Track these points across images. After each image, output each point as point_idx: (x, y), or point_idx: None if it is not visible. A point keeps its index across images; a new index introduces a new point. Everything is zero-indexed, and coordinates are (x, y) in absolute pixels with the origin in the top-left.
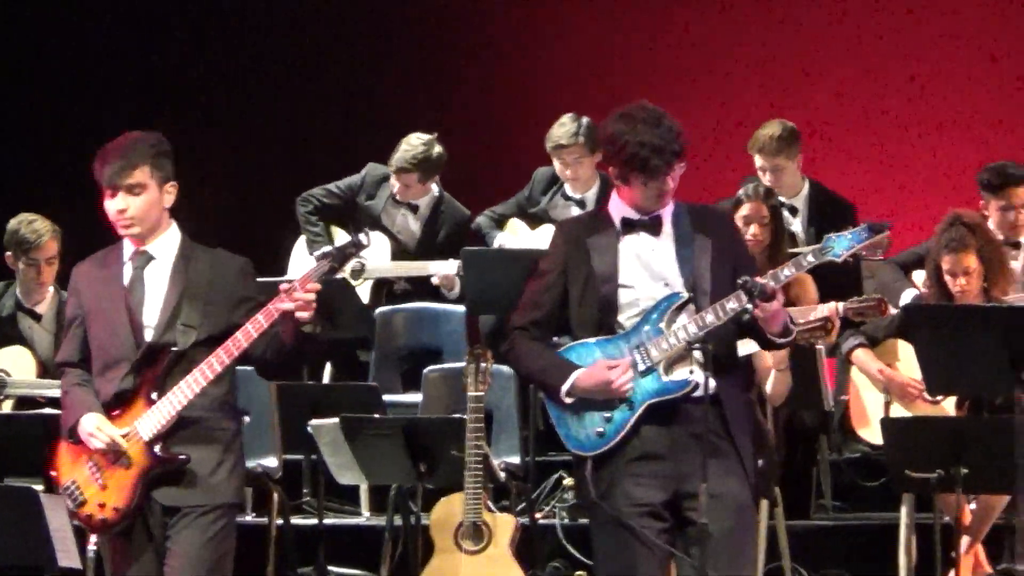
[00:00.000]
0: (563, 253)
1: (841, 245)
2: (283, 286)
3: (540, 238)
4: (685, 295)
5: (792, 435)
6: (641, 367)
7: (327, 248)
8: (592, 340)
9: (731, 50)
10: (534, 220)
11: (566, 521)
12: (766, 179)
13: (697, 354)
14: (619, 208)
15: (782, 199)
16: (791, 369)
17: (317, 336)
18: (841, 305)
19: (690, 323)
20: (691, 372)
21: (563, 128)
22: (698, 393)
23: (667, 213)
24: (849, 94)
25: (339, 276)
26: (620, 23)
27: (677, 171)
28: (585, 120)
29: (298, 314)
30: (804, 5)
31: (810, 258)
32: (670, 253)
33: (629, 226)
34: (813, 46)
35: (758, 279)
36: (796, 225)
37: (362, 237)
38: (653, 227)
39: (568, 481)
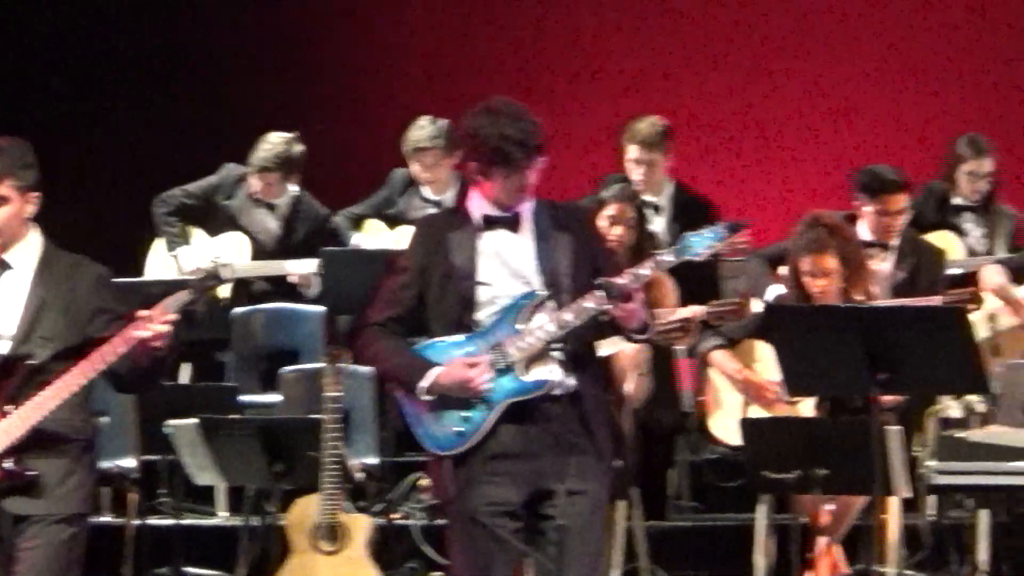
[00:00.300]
0: (422, 250)
1: (700, 244)
2: (140, 313)
3: (398, 239)
4: (544, 293)
5: (649, 436)
6: (499, 365)
7: (187, 275)
8: (450, 338)
9: (590, 48)
10: (392, 221)
11: (423, 522)
12: (637, 172)
13: (556, 353)
14: (479, 204)
15: (647, 197)
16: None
17: (170, 356)
18: (702, 309)
19: (549, 322)
20: (550, 371)
21: (421, 131)
22: (557, 392)
23: (527, 210)
24: (711, 95)
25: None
26: (476, 21)
27: (538, 166)
28: (442, 122)
29: (153, 343)
30: (666, 3)
31: (669, 257)
32: (529, 250)
33: (489, 223)
34: (676, 46)
35: (617, 279)
36: (659, 224)
37: (222, 271)
38: (513, 224)
39: (425, 482)
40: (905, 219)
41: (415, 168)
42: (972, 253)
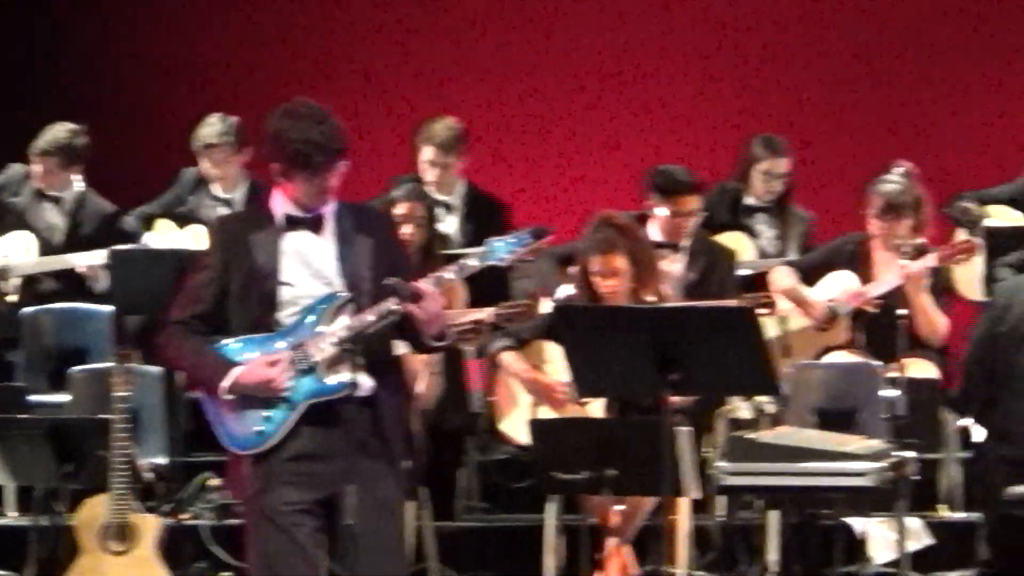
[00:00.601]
0: (224, 248)
1: (504, 249)
2: None
3: (188, 238)
4: (345, 295)
5: (438, 436)
6: (301, 366)
7: None
8: (251, 337)
9: (383, 49)
10: (182, 220)
11: (212, 522)
12: (432, 173)
13: (357, 355)
14: (282, 205)
15: (439, 197)
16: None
17: None
18: (491, 310)
19: (351, 323)
20: (350, 374)
21: (210, 128)
22: (357, 394)
23: (329, 211)
24: (504, 96)
25: None
26: (267, 19)
27: (339, 169)
28: (232, 119)
29: None
30: (460, 4)
31: (473, 261)
32: (331, 252)
33: (292, 223)
34: (469, 47)
35: (422, 281)
36: (451, 223)
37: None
38: (315, 225)
39: (214, 482)
40: (696, 220)
41: (205, 166)
42: (763, 254)
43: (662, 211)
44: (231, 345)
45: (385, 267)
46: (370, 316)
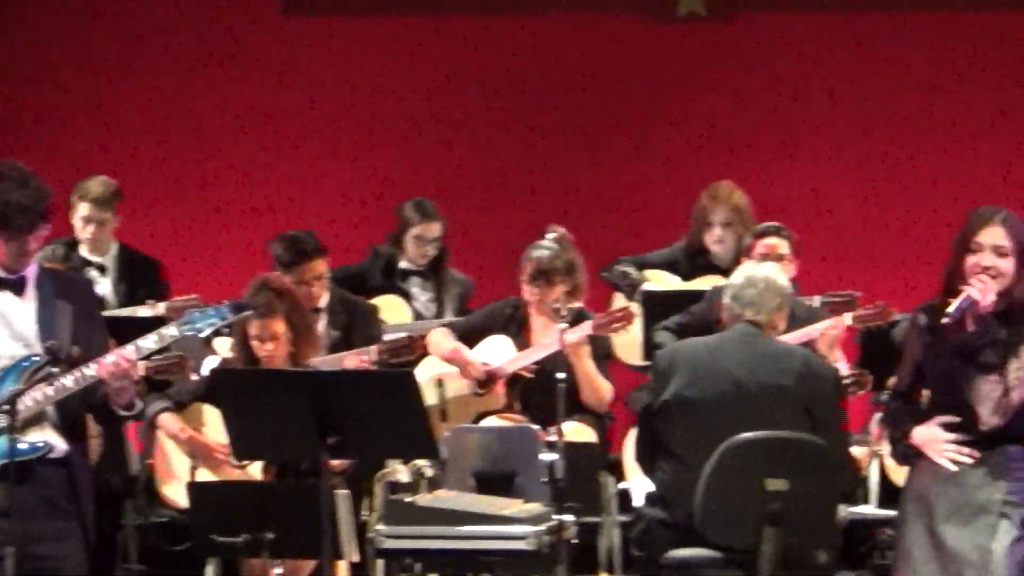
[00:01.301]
0: None
1: (203, 320)
2: None
3: None
4: (41, 358)
5: (98, 499)
6: None
7: None
8: None
9: (41, 109)
10: None
11: None
12: (87, 231)
13: (52, 417)
14: None
15: (92, 258)
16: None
17: None
18: (144, 364)
19: (47, 386)
20: (45, 435)
21: None
22: (51, 455)
23: (31, 274)
24: (162, 157)
25: None
26: None
27: (40, 232)
28: None
29: None
30: (127, 67)
31: (172, 331)
32: (32, 314)
33: None
34: (128, 107)
35: (120, 349)
36: (106, 286)
37: None
38: (18, 286)
39: None
40: (325, 282)
41: None
42: (419, 317)
43: (290, 281)
44: None
45: (85, 333)
46: (67, 380)
